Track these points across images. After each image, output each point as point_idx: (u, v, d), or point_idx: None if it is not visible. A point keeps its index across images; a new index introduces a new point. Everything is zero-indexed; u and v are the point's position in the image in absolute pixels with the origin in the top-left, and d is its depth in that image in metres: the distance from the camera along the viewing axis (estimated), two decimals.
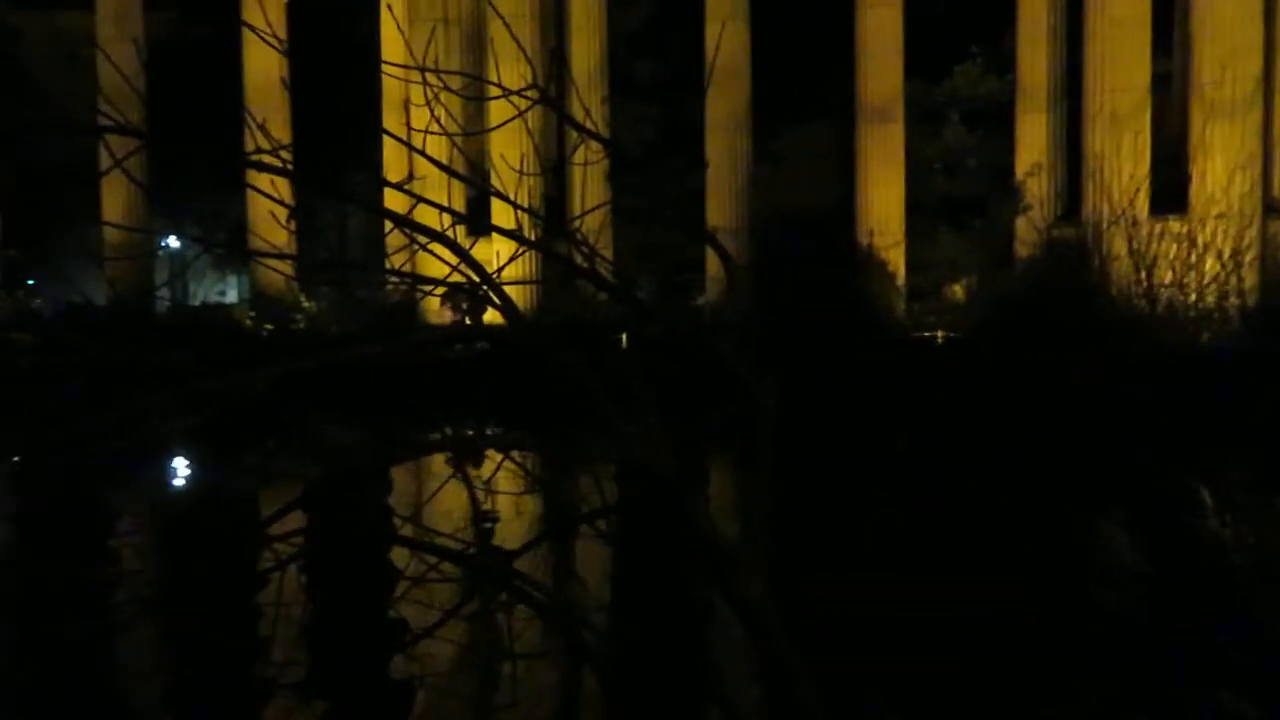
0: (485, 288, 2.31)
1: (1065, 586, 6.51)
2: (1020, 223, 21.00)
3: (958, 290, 21.02)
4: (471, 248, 3.28)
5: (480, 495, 3.25)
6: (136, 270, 22.02)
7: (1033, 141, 21.74)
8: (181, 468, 11.41)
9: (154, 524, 8.24)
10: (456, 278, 2.40)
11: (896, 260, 21.02)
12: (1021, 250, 20.55)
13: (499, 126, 3.25)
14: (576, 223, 2.85)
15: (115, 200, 21.67)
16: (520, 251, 2.53)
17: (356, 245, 24.46)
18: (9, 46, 25.57)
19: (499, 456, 2.87)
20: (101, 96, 2.59)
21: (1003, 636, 5.19)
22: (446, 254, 2.57)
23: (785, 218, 20.59)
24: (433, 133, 2.72)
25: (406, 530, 3.09)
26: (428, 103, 2.51)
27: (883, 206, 21.31)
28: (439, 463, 7.66)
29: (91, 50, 20.83)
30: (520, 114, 2.60)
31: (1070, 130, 21.27)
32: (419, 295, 17.90)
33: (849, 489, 9.31)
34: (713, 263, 21.04)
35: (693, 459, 2.27)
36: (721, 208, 21.07)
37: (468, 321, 18.38)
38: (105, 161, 21.59)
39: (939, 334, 19.18)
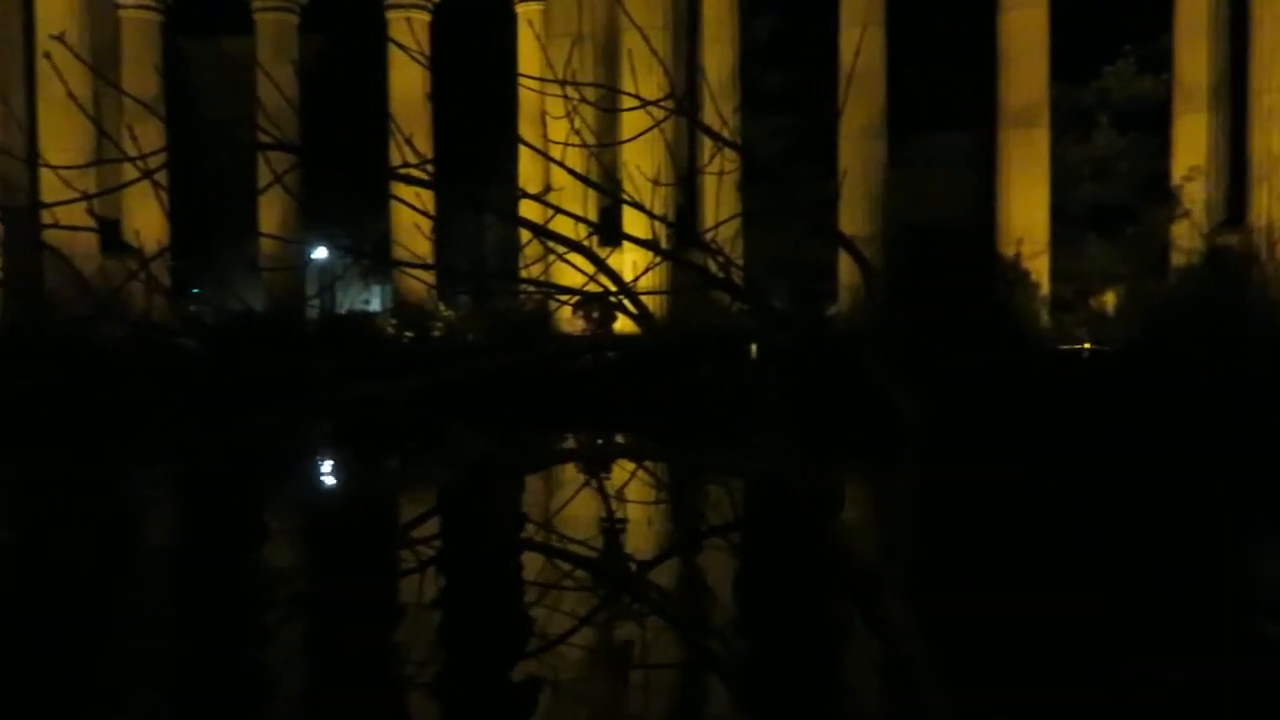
0: (621, 297, 2.32)
1: (1223, 613, 6.10)
2: (1176, 230, 19.85)
3: (1107, 300, 20.03)
4: (606, 258, 3.30)
5: (611, 504, 3.26)
6: (290, 279, 23.23)
7: (1191, 143, 20.52)
8: (327, 469, 11.92)
9: (302, 524, 8.63)
10: (592, 287, 2.42)
11: (1040, 270, 20.19)
12: (1178, 258, 19.43)
13: (635, 138, 3.27)
14: (711, 233, 2.84)
15: (271, 213, 22.90)
16: (656, 261, 2.53)
17: (494, 255, 25.10)
18: (178, 70, 27.39)
19: (630, 466, 2.88)
20: (261, 114, 2.75)
21: (1149, 659, 4.91)
22: (581, 263, 2.60)
23: (922, 226, 20.06)
24: (569, 144, 2.75)
25: (539, 537, 3.13)
26: (568, 114, 2.54)
27: (1026, 214, 20.52)
28: (569, 470, 7.76)
29: (252, 72, 22.12)
30: (657, 124, 2.61)
31: (1233, 131, 20.00)
32: (553, 305, 18.24)
33: (989, 504, 8.97)
34: (845, 272, 20.68)
35: (827, 473, 2.22)
36: (856, 216, 20.70)
37: (599, 331, 18.61)
38: (264, 176, 22.85)
39: (1085, 346, 18.31)
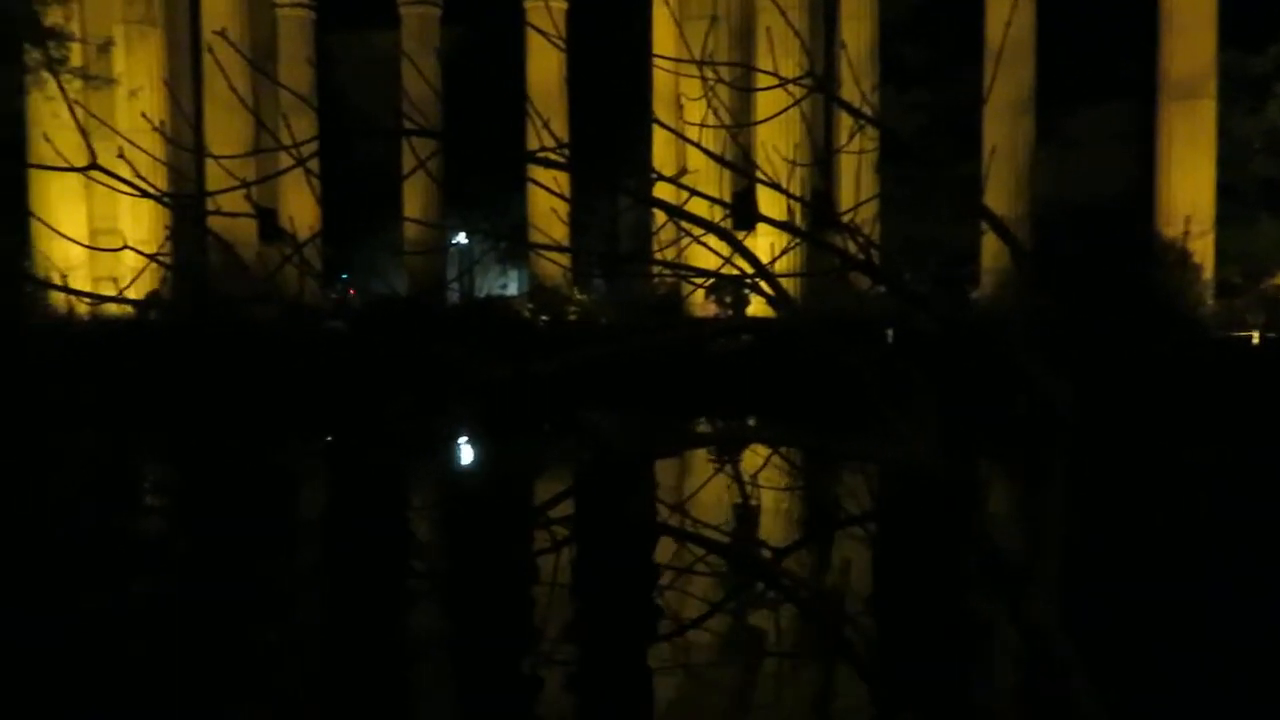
0: (759, 279, 2.28)
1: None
2: None
3: None
4: (742, 241, 3.25)
5: (745, 489, 3.21)
6: (432, 264, 24.02)
7: None
8: (465, 449, 12.26)
9: (442, 502, 8.91)
10: (729, 270, 2.39)
11: (1204, 251, 18.94)
12: None
13: (771, 118, 3.21)
14: (849, 214, 2.76)
15: (415, 200, 23.70)
16: (794, 243, 2.47)
17: (628, 239, 25.28)
18: (329, 65, 28.61)
19: (764, 451, 2.83)
20: (406, 104, 2.85)
21: None
22: (718, 246, 2.56)
23: (1073, 206, 19.09)
24: (705, 126, 2.72)
25: (672, 520, 3.12)
26: (705, 96, 2.51)
27: (1188, 192, 19.28)
28: (702, 454, 7.75)
29: (397, 64, 22.93)
30: (796, 102, 2.55)
31: None
32: (686, 288, 18.25)
33: (1137, 501, 8.50)
34: (989, 255, 19.92)
35: (970, 463, 2.12)
36: (1003, 196, 19.88)
37: (732, 314, 18.52)
38: (408, 165, 23.67)
39: (1254, 334, 17.10)
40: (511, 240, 30.43)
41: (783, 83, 2.48)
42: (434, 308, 20.67)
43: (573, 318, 20.99)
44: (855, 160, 15.83)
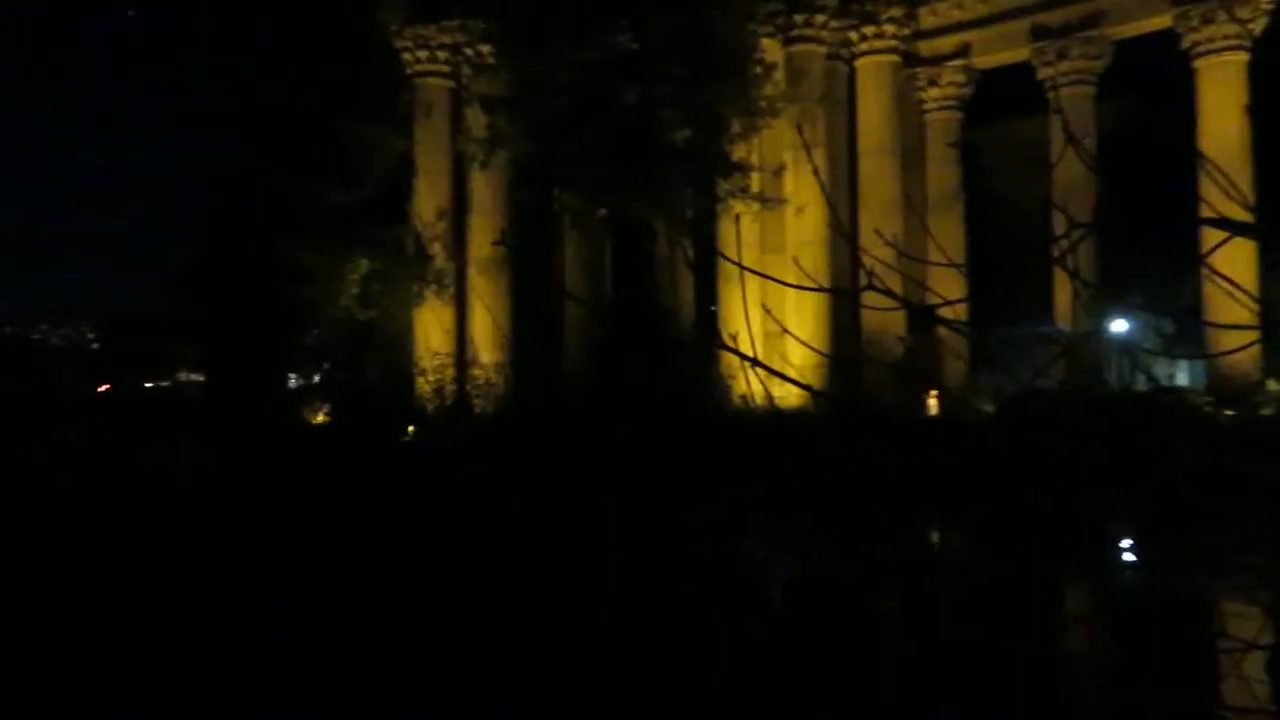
0: None
1: None
2: None
3: None
4: None
5: None
6: (1088, 353, 22.55)
7: None
8: (1127, 548, 11.12)
9: (1104, 610, 8.15)
10: None
11: None
12: None
13: None
14: None
15: (1065, 286, 22.57)
16: None
17: None
18: (972, 159, 28.79)
19: None
20: (1058, 186, 2.71)
21: None
22: None
23: None
24: None
25: None
26: None
27: None
28: None
29: (1045, 149, 22.28)
30: None
31: None
32: None
33: None
34: None
35: None
36: None
37: None
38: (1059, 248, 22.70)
39: None
40: (1179, 327, 27.29)
41: None
42: (1092, 399, 19.30)
43: (1266, 411, 17.94)
44: None
